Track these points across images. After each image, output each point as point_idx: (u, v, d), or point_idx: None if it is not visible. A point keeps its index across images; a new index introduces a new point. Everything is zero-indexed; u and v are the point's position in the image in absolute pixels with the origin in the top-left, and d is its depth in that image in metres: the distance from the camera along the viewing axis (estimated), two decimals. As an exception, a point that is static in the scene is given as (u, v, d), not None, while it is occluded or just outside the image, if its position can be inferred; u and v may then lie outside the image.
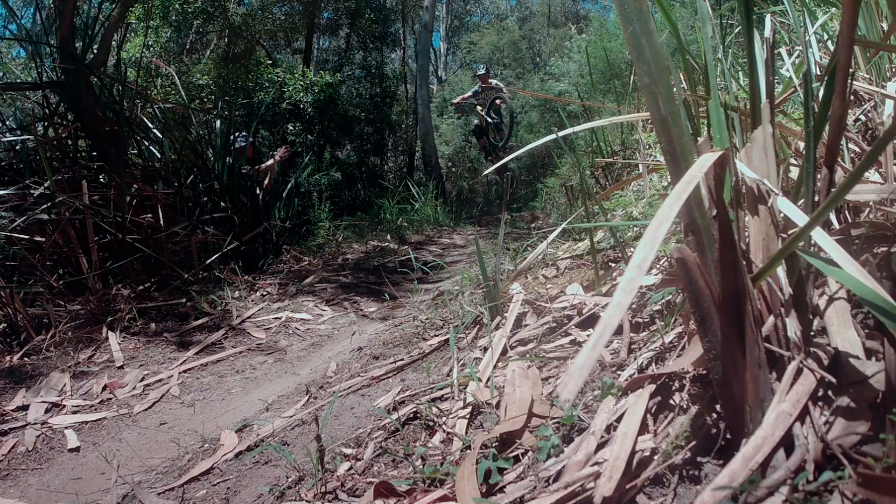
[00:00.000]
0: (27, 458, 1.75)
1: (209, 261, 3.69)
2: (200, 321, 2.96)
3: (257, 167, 5.01)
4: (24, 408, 2.03)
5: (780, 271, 0.89)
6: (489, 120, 8.84)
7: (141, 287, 3.24)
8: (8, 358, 2.43)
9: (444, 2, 21.64)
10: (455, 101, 10.09)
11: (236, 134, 4.85)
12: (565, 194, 5.01)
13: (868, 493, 0.60)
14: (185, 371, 2.39)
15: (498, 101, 8.98)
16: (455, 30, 22.92)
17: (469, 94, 9.65)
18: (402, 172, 11.89)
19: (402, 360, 1.86)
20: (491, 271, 1.83)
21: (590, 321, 1.51)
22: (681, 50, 1.51)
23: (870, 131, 1.37)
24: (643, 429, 0.90)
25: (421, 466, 1.10)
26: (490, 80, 9.25)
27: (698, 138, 0.93)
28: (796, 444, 0.73)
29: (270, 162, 5.32)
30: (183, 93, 5.57)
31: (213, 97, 8.29)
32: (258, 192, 4.69)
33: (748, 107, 1.09)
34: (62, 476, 1.65)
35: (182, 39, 9.46)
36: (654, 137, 3.16)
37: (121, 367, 2.42)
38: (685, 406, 0.92)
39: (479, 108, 9.28)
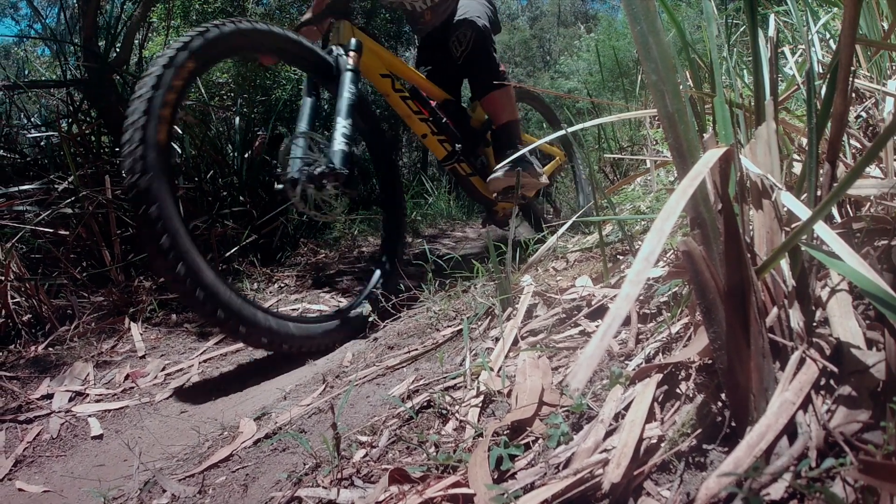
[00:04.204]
0: (52, 445, 1.79)
1: (228, 253, 3.74)
2: (219, 313, 3.00)
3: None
4: (49, 396, 2.08)
5: (784, 264, 0.90)
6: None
7: (162, 279, 3.29)
8: (33, 348, 2.49)
9: (456, 1, 21.41)
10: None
11: (254, 129, 4.92)
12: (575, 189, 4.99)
13: (869, 479, 0.61)
14: (205, 361, 2.43)
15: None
16: (468, 27, 22.70)
17: None
18: (416, 168, 11.88)
19: (416, 349, 1.87)
20: (503, 264, 1.84)
21: (598, 312, 1.52)
22: (686, 49, 1.52)
23: (871, 128, 1.38)
24: (650, 417, 0.91)
25: (434, 453, 1.12)
26: None
27: (704, 134, 0.95)
28: (799, 431, 0.74)
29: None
30: (203, 90, 5.63)
31: (232, 94, 8.37)
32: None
33: (752, 104, 1.10)
34: (86, 463, 1.69)
35: (200, 37, 9.54)
36: (661, 134, 3.15)
37: (143, 357, 2.47)
38: (691, 395, 0.93)
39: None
